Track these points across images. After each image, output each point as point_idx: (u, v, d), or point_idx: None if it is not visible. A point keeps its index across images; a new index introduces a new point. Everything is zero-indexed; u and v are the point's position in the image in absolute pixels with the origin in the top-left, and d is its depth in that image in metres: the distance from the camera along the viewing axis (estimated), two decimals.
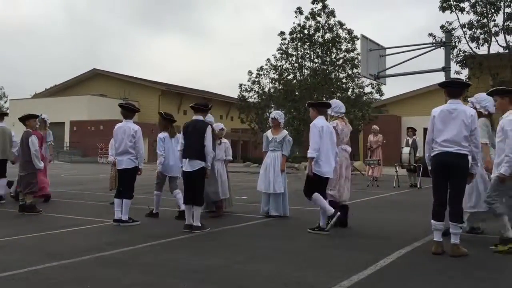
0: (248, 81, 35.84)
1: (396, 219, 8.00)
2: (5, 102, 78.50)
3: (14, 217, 7.70)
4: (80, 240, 5.87)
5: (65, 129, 44.84)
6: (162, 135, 7.84)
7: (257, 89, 36.19)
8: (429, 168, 5.33)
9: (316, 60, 31.79)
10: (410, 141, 14.64)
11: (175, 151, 7.55)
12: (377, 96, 31.31)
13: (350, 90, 31.45)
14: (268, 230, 6.72)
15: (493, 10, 20.06)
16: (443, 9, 20.58)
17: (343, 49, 31.10)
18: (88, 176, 19.18)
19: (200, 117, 6.65)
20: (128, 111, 7.18)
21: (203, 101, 7.81)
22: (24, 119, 8.27)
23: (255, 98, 36.03)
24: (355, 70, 30.80)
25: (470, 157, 5.15)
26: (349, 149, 7.03)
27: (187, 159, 6.48)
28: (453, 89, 5.30)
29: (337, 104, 7.04)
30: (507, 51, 19.83)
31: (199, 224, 6.41)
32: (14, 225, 6.97)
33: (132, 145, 6.90)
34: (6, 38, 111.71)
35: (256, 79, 35.84)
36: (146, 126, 43.10)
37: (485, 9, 20.13)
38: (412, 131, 14.79)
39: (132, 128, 6.97)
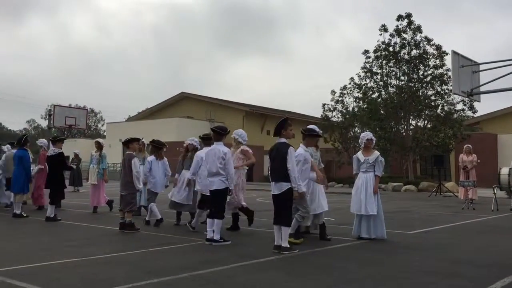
0: (331, 100, 35.68)
1: (497, 245, 7.51)
2: (102, 125, 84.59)
3: (115, 235, 8.22)
4: (176, 258, 6.14)
5: None
6: (150, 158, 9.93)
7: (340, 108, 35.89)
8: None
9: (402, 78, 30.95)
10: None
11: (160, 172, 9.81)
12: (469, 113, 29.73)
13: (440, 107, 30.16)
14: (360, 253, 6.60)
15: None
16: None
17: (431, 66, 30.02)
18: None
19: (283, 140, 6.74)
20: (218, 134, 7.45)
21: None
22: (128, 142, 8.86)
23: (338, 118, 35.71)
24: (444, 87, 29.55)
25: None
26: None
27: (274, 182, 6.62)
28: None
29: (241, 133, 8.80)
30: None
31: (288, 245, 6.45)
32: (116, 242, 7.44)
33: (222, 167, 7.15)
34: (100, 65, 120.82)
35: (340, 98, 35.57)
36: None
37: None
38: None
39: (222, 150, 7.22)
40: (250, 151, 8.66)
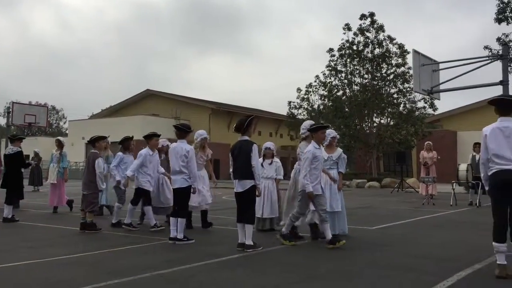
0: (297, 98, 36.04)
1: (455, 239, 7.73)
2: (64, 123, 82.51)
3: (76, 235, 8.03)
4: (139, 258, 6.04)
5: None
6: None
7: (306, 106, 36.26)
8: (486, 188, 5.16)
9: (366, 76, 31.49)
10: (477, 157, 14.05)
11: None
12: (430, 111, 30.55)
13: (402, 105, 30.86)
14: (324, 250, 6.66)
15: None
16: (499, 20, 19.94)
17: (394, 64, 30.66)
18: None
19: (246, 137, 6.73)
20: (181, 131, 7.37)
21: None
22: (94, 141, 8.65)
23: (304, 115, 36.07)
24: (406, 85, 30.25)
25: None
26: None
27: (237, 180, 6.61)
28: (503, 106, 5.14)
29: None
30: None
31: (251, 243, 6.46)
32: (76, 243, 7.27)
33: (185, 165, 7.08)
34: (62, 62, 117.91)
35: (305, 96, 35.94)
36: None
37: None
38: (479, 146, 14.19)
39: (185, 148, 7.15)
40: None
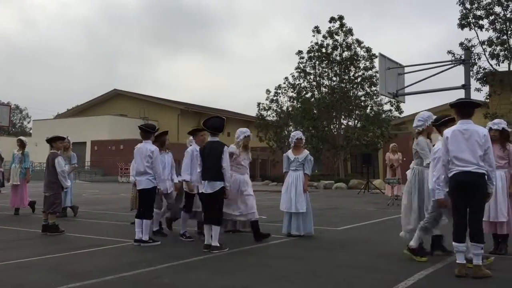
0: (266, 99, 36.16)
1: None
2: (28, 123, 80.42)
3: (38, 237, 7.82)
4: (102, 260, 5.94)
5: (86, 148, 45.55)
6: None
7: (275, 108, 36.42)
8: (446, 189, 5.29)
9: (334, 78, 31.89)
10: None
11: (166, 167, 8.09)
12: (396, 113, 31.17)
13: (369, 107, 31.38)
14: (289, 250, 6.70)
15: None
16: (462, 26, 20.51)
17: (362, 67, 31.15)
18: (109, 196, 19.39)
19: (216, 139, 6.72)
20: (145, 132, 7.28)
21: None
22: (51, 141, 8.44)
23: (273, 117, 36.23)
24: (373, 88, 30.78)
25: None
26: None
27: (206, 181, 6.58)
28: (463, 109, 5.30)
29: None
30: None
31: (218, 244, 6.44)
32: (38, 245, 7.09)
33: (149, 166, 7.01)
34: (26, 59, 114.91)
35: (274, 98, 36.10)
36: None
37: (504, 26, 20.00)
38: None
39: (149, 148, 7.07)
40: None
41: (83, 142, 44.34)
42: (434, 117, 6.30)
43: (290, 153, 8.15)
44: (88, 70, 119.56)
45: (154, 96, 53.68)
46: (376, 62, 30.86)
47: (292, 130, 33.86)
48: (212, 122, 6.82)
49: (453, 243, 5.10)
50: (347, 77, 31.37)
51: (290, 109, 34.80)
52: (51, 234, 7.94)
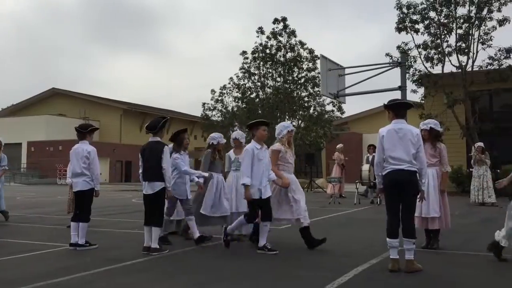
0: (211, 99, 35.97)
1: (355, 236, 8.12)
2: None
3: None
4: (35, 266, 5.68)
5: (22, 150, 43.57)
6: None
7: (220, 108, 36.33)
8: (380, 186, 5.48)
9: (278, 79, 32.24)
10: (370, 157, 14.95)
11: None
12: (338, 114, 31.95)
13: (312, 108, 31.99)
14: (232, 250, 6.69)
15: (446, 32, 20.91)
16: (399, 30, 21.29)
17: (305, 68, 31.69)
18: (46, 199, 18.63)
19: (157, 138, 6.62)
20: (79, 132, 7.05)
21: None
22: None
23: (218, 117, 36.12)
24: (316, 89, 31.39)
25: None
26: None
27: (146, 182, 6.46)
28: (397, 109, 5.51)
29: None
30: (459, 70, 20.64)
31: (157, 246, 6.33)
32: None
33: (86, 167, 6.79)
34: None
35: (219, 98, 36.00)
36: (107, 146, 42.42)
37: (438, 30, 20.96)
38: (373, 148, 15.12)
39: (86, 149, 6.86)
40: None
41: (18, 143, 42.37)
42: None
43: (231, 153, 8.14)
44: (23, 67, 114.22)
45: (95, 95, 52.15)
46: (319, 63, 31.62)
47: (237, 130, 33.99)
48: (150, 122, 6.74)
49: (387, 239, 5.27)
50: (290, 78, 31.82)
51: (235, 109, 34.85)
52: None
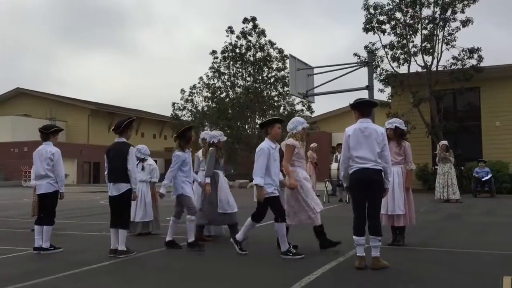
0: (181, 99, 35.72)
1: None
2: None
3: None
4: None
5: None
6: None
7: (190, 108, 36.11)
8: (345, 184, 5.54)
9: (248, 79, 32.28)
10: (339, 156, 15.09)
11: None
12: (307, 113, 32.21)
13: (282, 107, 32.15)
14: (195, 252, 6.64)
15: (411, 32, 21.34)
16: (366, 30, 21.60)
17: (274, 68, 31.83)
18: (10, 201, 18.12)
19: (123, 139, 6.52)
20: (42, 133, 6.88)
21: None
22: None
23: (188, 117, 35.89)
24: (286, 88, 31.58)
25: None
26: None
27: (111, 183, 6.37)
28: (363, 108, 5.58)
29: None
30: (425, 70, 21.10)
31: (124, 248, 6.24)
32: None
33: (50, 169, 6.63)
34: None
35: (189, 98, 35.78)
36: (74, 147, 41.58)
37: (404, 31, 21.37)
38: (341, 147, 15.24)
39: (49, 150, 6.69)
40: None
41: None
42: None
43: (200, 153, 8.11)
44: None
45: (62, 95, 51.04)
46: (288, 63, 31.87)
47: (208, 130, 33.85)
48: (116, 122, 6.65)
49: (354, 236, 5.33)
50: (260, 78, 31.92)
51: (205, 109, 34.70)
52: None
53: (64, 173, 6.82)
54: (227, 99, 32.56)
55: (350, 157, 5.45)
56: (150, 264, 5.86)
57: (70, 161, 40.38)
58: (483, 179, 16.99)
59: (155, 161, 9.67)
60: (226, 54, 32.07)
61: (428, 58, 21.18)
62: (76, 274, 5.27)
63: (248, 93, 31.42)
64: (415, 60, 21.37)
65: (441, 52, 20.90)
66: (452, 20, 20.74)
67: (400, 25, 21.39)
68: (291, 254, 5.95)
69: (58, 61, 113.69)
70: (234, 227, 7.24)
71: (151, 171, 8.19)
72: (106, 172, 6.63)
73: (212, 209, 7.26)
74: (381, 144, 5.37)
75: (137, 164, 7.74)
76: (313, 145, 17.73)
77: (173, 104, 36.15)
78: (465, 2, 20.32)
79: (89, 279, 5.07)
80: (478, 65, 19.95)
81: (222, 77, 32.75)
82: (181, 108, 36.18)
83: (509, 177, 18.57)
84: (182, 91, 35.83)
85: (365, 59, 18.14)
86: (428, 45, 21.13)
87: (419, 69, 21.29)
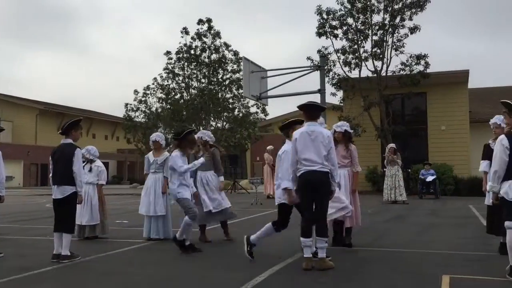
0: (134, 100, 35.07)
1: (274, 236, 8.22)
2: None
3: None
4: None
5: None
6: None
7: (144, 109, 35.51)
8: (294, 187, 5.60)
9: (203, 80, 32.09)
10: None
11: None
12: (262, 116, 32.37)
13: (237, 110, 32.17)
14: (146, 255, 6.55)
15: (362, 38, 21.88)
16: (319, 35, 21.97)
17: (229, 70, 31.80)
18: None
19: (69, 140, 6.33)
20: None
21: None
22: None
23: (142, 118, 35.28)
24: (241, 91, 31.60)
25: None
26: None
27: (56, 186, 6.18)
28: (310, 112, 5.67)
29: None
30: (375, 75, 21.69)
31: (68, 253, 6.06)
32: None
33: None
34: None
35: (143, 99, 35.18)
36: (21, 148, 40.03)
37: (355, 36, 21.89)
38: None
39: None
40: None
41: None
42: None
43: (150, 155, 8.02)
44: None
45: (8, 94, 48.98)
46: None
47: (162, 132, 33.38)
48: (64, 123, 6.46)
49: (301, 238, 5.41)
50: (215, 79, 31.79)
51: (159, 110, 34.21)
52: None
53: (4, 175, 6.54)
54: (182, 100, 32.22)
55: (298, 160, 5.52)
56: (94, 269, 5.71)
57: (16, 162, 38.81)
58: (427, 180, 17.65)
59: (107, 162, 9.47)
60: (181, 55, 31.76)
61: (378, 63, 21.80)
62: (15, 281, 5.07)
63: (203, 95, 31.23)
64: (366, 65, 21.94)
65: (390, 57, 21.55)
66: (401, 27, 21.45)
67: (352, 30, 21.90)
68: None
69: (4, 59, 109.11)
70: (225, 225, 7.71)
71: (98, 173, 8.00)
72: (50, 175, 6.43)
73: (200, 209, 7.25)
74: (327, 147, 5.47)
75: (84, 165, 7.61)
76: (269, 147, 17.91)
77: (126, 105, 35.43)
78: (413, 10, 21.04)
79: (29, 285, 4.89)
80: (425, 71, 20.70)
81: (177, 78, 32.38)
82: (135, 109, 35.51)
83: (453, 179, 19.35)
84: (136, 91, 35.20)
85: (318, 63, 18.43)
86: (378, 50, 21.72)
87: (370, 74, 21.86)
